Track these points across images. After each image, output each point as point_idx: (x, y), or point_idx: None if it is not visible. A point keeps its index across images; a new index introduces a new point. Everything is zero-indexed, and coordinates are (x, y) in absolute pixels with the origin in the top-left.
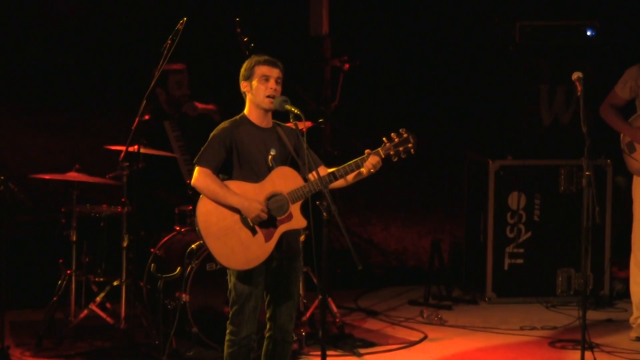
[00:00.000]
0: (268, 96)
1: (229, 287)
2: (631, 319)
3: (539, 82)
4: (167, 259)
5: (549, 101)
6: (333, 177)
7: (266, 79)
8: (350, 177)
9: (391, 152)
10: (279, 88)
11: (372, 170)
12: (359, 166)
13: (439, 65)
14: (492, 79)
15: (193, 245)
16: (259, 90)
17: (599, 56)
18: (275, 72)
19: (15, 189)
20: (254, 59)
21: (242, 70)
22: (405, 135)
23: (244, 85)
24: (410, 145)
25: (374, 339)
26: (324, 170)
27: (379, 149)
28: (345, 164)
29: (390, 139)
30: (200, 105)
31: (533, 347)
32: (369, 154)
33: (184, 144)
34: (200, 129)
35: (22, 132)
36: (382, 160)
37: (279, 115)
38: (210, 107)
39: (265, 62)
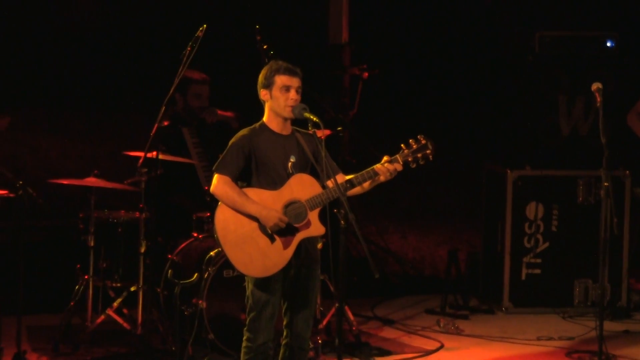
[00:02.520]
0: (289, 106)
1: (247, 294)
2: None
3: (558, 92)
4: (184, 265)
5: (567, 111)
6: (351, 184)
7: (287, 89)
8: (367, 183)
9: (409, 159)
10: (299, 97)
11: (389, 177)
12: (376, 173)
13: (458, 74)
14: (512, 89)
15: (212, 252)
16: (279, 100)
17: (618, 67)
18: (295, 82)
19: (33, 193)
20: (273, 66)
21: (261, 78)
22: (423, 142)
23: (263, 94)
24: (428, 151)
25: (390, 347)
26: (341, 178)
27: (397, 155)
28: (363, 171)
29: (408, 146)
30: (219, 112)
31: (550, 358)
32: (386, 161)
33: (202, 151)
34: (219, 136)
35: (41, 137)
36: (401, 166)
37: (298, 122)
38: (228, 114)
39: (285, 71)
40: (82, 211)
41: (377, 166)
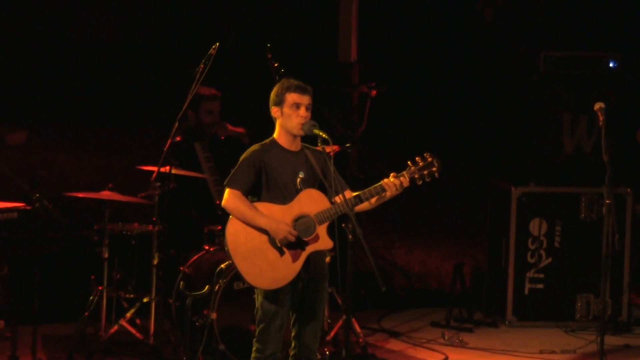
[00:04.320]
0: (300, 124)
1: (256, 305)
2: None
3: (562, 111)
4: (195, 278)
5: (571, 130)
6: (359, 199)
7: (297, 106)
8: (374, 199)
9: (416, 176)
10: (309, 114)
11: (395, 193)
12: (384, 189)
13: (465, 92)
14: (516, 107)
15: (222, 265)
16: (290, 117)
17: (620, 87)
18: (305, 99)
19: (49, 206)
20: (285, 84)
21: (273, 95)
22: (429, 159)
23: (274, 111)
24: (434, 169)
25: (396, 359)
26: (349, 194)
27: (404, 172)
28: (371, 187)
29: (414, 163)
30: (230, 127)
31: None
32: (393, 177)
33: (213, 166)
34: (230, 151)
35: (57, 151)
36: (408, 182)
37: (307, 138)
38: (240, 130)
39: (296, 89)
40: (97, 223)
41: (384, 181)
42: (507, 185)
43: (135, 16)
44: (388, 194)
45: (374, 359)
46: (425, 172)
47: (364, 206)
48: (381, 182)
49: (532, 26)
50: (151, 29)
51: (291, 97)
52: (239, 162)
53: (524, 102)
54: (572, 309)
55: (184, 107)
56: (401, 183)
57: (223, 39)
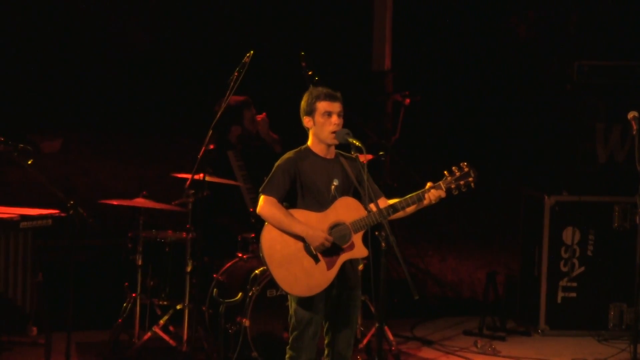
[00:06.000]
0: (332, 132)
1: (290, 313)
2: None
3: (595, 120)
4: (229, 285)
5: (604, 139)
6: (394, 208)
7: (329, 114)
8: (410, 208)
9: (452, 186)
10: (341, 121)
11: (432, 202)
12: (420, 199)
13: (499, 102)
14: (550, 116)
15: (257, 271)
16: (322, 126)
17: None
18: (336, 107)
19: (84, 213)
20: (314, 93)
21: (303, 104)
22: (466, 170)
23: (306, 121)
24: (470, 179)
25: None
26: (384, 202)
27: (440, 182)
28: (407, 196)
29: (451, 173)
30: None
31: None
32: (430, 187)
33: (246, 174)
34: (262, 160)
35: (92, 159)
36: (444, 193)
37: (341, 146)
38: (275, 136)
39: (326, 97)
40: (131, 231)
41: (421, 192)
42: (540, 194)
43: (170, 26)
44: (425, 203)
45: None
46: (462, 182)
47: (398, 214)
48: (418, 192)
49: (565, 37)
50: (185, 38)
51: (322, 106)
52: (274, 169)
53: (558, 112)
54: (605, 318)
55: (218, 115)
56: (439, 194)
57: (257, 48)
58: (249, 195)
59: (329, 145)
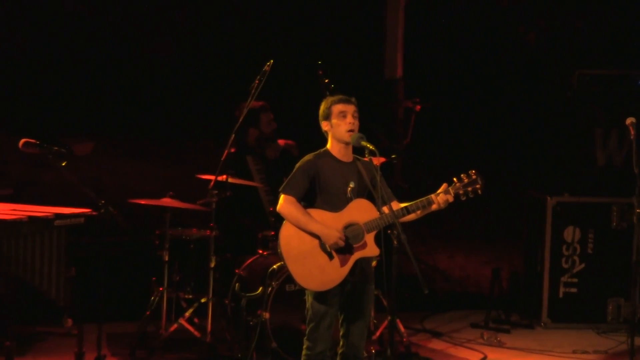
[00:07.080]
0: (348, 130)
1: (307, 306)
2: None
3: (594, 125)
4: (250, 280)
5: (603, 143)
6: (406, 211)
7: (344, 115)
8: (420, 211)
9: (460, 192)
10: (356, 122)
11: (441, 207)
12: (430, 203)
13: (504, 108)
14: (552, 122)
15: (274, 266)
16: (339, 126)
17: None
18: (350, 108)
19: (114, 212)
20: (329, 99)
21: (321, 111)
22: (474, 177)
23: (324, 125)
24: (478, 186)
25: (438, 357)
26: (396, 204)
27: (450, 188)
28: (417, 200)
29: (460, 179)
30: (281, 142)
31: None
32: (440, 192)
33: (264, 177)
34: (280, 163)
35: (122, 161)
36: (453, 198)
37: (355, 150)
38: (290, 142)
39: (340, 101)
40: (158, 229)
41: (431, 196)
42: (542, 196)
43: (196, 33)
44: (434, 206)
45: (417, 358)
46: (470, 189)
47: (410, 217)
48: (428, 196)
49: (567, 46)
50: (210, 46)
51: (337, 108)
52: (294, 170)
53: (559, 118)
54: (604, 312)
55: (240, 120)
56: (447, 199)
57: (275, 56)
58: (267, 197)
59: (346, 145)
